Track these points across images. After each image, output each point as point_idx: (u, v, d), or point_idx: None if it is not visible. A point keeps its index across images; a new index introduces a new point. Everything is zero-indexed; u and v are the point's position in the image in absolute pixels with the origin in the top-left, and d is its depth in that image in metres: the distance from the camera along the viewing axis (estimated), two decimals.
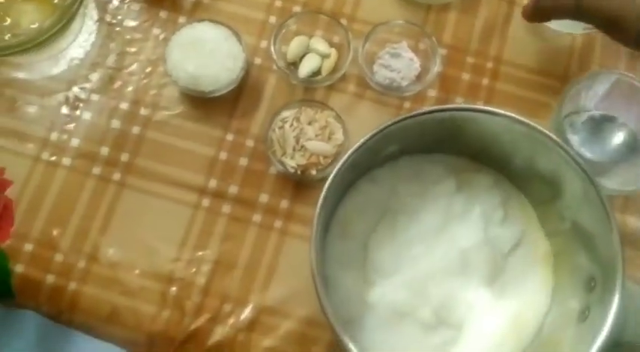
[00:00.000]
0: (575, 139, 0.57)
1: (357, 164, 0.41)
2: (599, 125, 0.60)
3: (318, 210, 0.38)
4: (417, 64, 0.60)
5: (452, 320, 0.44)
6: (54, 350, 0.92)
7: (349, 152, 0.39)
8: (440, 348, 0.44)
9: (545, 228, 0.47)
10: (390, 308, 0.43)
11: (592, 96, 0.59)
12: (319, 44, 0.59)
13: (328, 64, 0.59)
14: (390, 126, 0.40)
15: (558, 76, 0.62)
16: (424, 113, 0.40)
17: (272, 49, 0.57)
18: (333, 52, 0.59)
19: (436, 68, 0.58)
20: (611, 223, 0.39)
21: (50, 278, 0.54)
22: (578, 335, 0.40)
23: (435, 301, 0.44)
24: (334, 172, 0.39)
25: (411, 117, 0.40)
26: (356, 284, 0.44)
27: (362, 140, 0.39)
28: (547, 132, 0.40)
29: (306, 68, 0.58)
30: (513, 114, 0.41)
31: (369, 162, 0.45)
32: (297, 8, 0.62)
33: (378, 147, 0.42)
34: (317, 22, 0.60)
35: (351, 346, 0.36)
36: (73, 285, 0.54)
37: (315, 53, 0.59)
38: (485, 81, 0.61)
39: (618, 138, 0.59)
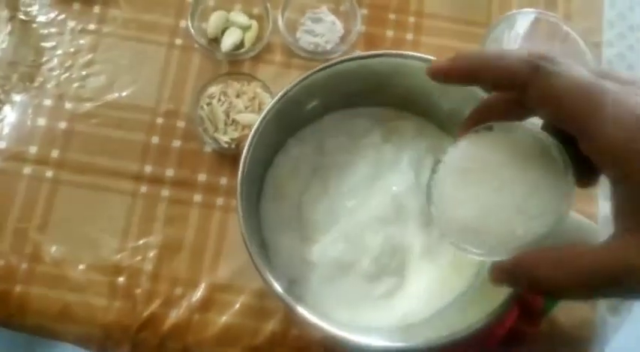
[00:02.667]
0: None
1: (281, 122, 0.41)
2: None
3: (240, 171, 0.38)
4: (339, 26, 0.60)
5: (393, 268, 0.44)
6: None
7: (268, 106, 0.39)
8: (385, 296, 0.44)
9: None
10: (332, 263, 0.44)
11: (514, 37, 0.60)
12: (238, 17, 0.59)
13: (250, 36, 0.58)
14: (309, 76, 0.39)
15: (480, 22, 0.62)
16: (340, 62, 0.40)
17: (190, 26, 0.56)
18: (254, 23, 0.59)
19: (357, 28, 0.58)
20: None
21: None
22: None
23: (375, 250, 0.44)
24: (254, 129, 0.39)
25: (328, 66, 0.40)
26: (295, 244, 0.44)
27: (281, 92, 0.39)
28: None
29: (228, 42, 0.57)
30: (430, 57, 0.41)
31: (294, 120, 0.45)
32: None
33: (300, 101, 0.42)
34: None
35: (294, 305, 0.37)
36: (18, 288, 0.52)
37: (236, 26, 0.59)
38: (409, 36, 0.61)
39: None
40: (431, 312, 0.44)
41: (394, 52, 0.42)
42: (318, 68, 0.40)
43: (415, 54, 0.41)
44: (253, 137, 0.38)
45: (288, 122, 0.44)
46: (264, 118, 0.39)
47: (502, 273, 0.31)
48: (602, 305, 0.57)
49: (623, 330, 0.59)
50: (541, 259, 0.29)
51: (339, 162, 0.46)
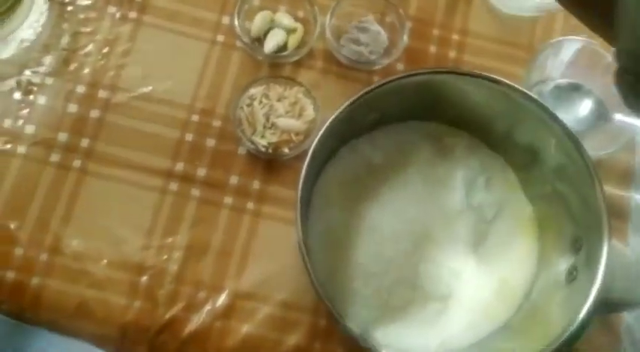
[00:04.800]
0: None
1: (337, 133, 0.40)
2: (566, 93, 0.60)
3: (303, 173, 0.37)
4: (384, 37, 0.59)
5: (438, 294, 0.43)
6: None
7: (334, 115, 0.38)
8: (427, 322, 0.43)
9: (528, 193, 0.46)
10: (378, 293, 0.42)
11: (558, 64, 0.59)
12: (284, 19, 0.57)
13: (294, 39, 0.57)
14: (371, 91, 0.38)
15: (523, 45, 0.62)
16: (404, 77, 0.39)
17: (236, 23, 0.55)
18: (299, 26, 0.57)
19: (404, 40, 0.57)
20: (595, 181, 0.39)
21: (10, 275, 0.50)
22: (568, 296, 0.40)
23: (424, 277, 0.43)
24: (317, 137, 0.37)
25: (391, 81, 0.39)
26: (338, 258, 0.43)
27: (344, 105, 0.38)
28: (528, 92, 0.40)
29: (271, 43, 0.56)
30: (491, 75, 0.41)
31: (349, 131, 0.44)
32: None
33: (359, 115, 0.41)
34: None
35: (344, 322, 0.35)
36: (35, 280, 0.50)
37: (280, 28, 0.57)
38: (452, 53, 0.61)
39: (585, 105, 0.59)
40: (470, 341, 0.42)
41: (461, 70, 0.41)
42: (380, 83, 0.39)
43: (483, 73, 0.40)
44: (317, 145, 0.37)
45: (343, 131, 0.43)
46: (327, 127, 0.37)
47: None
48: (625, 339, 0.56)
49: None
50: None
51: (389, 175, 0.44)
